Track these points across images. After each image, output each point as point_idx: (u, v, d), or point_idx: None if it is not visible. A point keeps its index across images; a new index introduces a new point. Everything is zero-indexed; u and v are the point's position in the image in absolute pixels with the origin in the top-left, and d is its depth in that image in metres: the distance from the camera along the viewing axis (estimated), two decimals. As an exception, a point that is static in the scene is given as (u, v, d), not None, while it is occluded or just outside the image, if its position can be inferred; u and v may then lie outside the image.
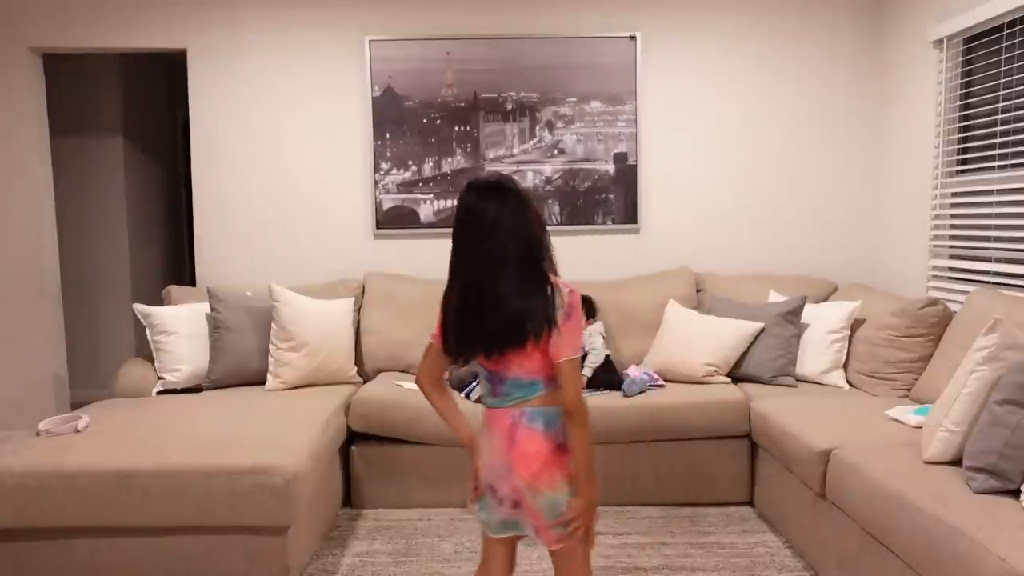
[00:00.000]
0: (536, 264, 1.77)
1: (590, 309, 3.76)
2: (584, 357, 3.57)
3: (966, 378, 2.26)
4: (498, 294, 1.73)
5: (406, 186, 4.24)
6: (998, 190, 3.35)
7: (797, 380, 3.53)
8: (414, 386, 3.51)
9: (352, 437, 3.41)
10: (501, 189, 1.79)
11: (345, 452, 3.41)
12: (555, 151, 4.24)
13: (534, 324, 1.72)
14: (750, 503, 3.39)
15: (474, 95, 4.21)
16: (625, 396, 3.37)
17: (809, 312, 3.63)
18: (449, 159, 4.23)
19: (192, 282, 4.59)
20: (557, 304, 1.75)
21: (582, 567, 1.81)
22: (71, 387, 4.87)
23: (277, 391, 3.53)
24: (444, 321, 1.82)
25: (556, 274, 1.81)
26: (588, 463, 1.73)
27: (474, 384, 3.42)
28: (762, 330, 3.56)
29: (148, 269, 5.57)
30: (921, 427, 2.63)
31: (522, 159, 4.24)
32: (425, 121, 4.21)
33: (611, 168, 4.24)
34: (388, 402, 3.35)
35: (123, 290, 5.24)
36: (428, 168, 4.23)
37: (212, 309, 3.67)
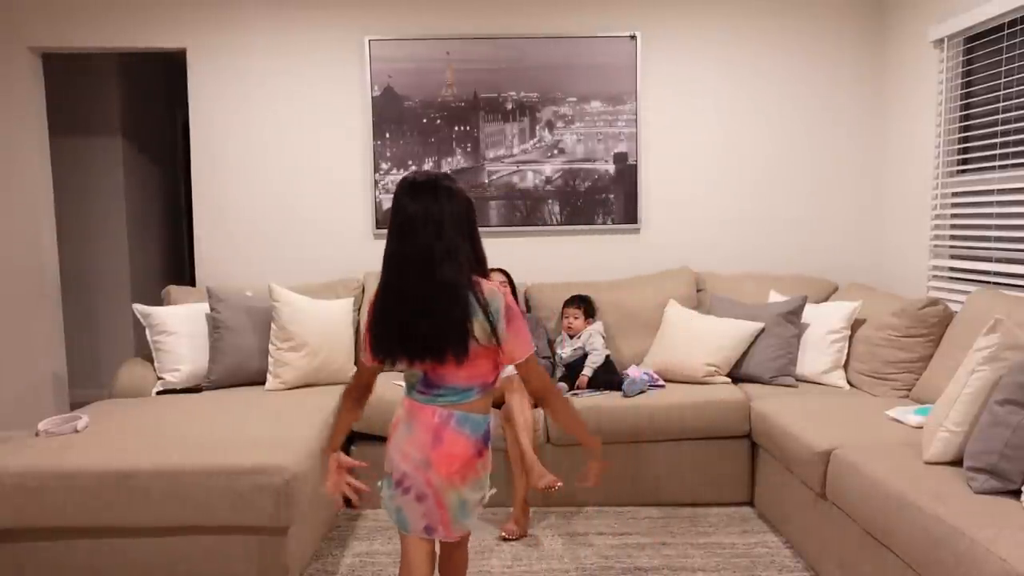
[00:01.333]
0: (461, 268, 1.73)
1: (589, 309, 3.76)
2: (584, 357, 3.57)
3: (967, 378, 2.26)
4: (421, 296, 1.72)
5: (406, 186, 4.23)
6: (998, 190, 3.35)
7: (797, 380, 3.52)
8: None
9: (352, 437, 3.41)
10: (432, 187, 1.77)
11: (345, 452, 3.39)
12: (555, 151, 4.24)
13: (453, 344, 1.71)
14: (750, 503, 3.39)
15: (474, 95, 4.20)
16: (625, 396, 3.36)
17: (809, 312, 3.63)
18: (449, 159, 4.23)
19: (192, 282, 4.59)
20: (494, 311, 1.73)
21: (466, 551, 2.02)
22: (71, 387, 4.87)
23: (277, 391, 3.52)
24: (371, 321, 1.80)
25: (485, 275, 1.79)
26: (581, 422, 1.90)
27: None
28: (762, 330, 3.56)
29: (148, 269, 5.57)
30: (921, 427, 2.63)
31: (522, 159, 4.24)
32: (425, 121, 4.21)
33: (611, 168, 4.24)
34: (388, 402, 3.35)
35: (123, 290, 5.24)
36: (428, 168, 4.23)
37: (212, 309, 3.67)
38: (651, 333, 3.85)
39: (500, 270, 3.73)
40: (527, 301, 4.01)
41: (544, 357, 3.64)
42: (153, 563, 2.52)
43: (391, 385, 3.53)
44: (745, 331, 3.56)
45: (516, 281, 4.03)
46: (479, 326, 1.73)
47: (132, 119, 5.32)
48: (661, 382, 3.53)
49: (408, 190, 1.80)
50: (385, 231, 4.56)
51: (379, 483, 1.91)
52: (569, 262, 4.23)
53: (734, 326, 3.58)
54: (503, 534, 3.05)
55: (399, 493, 1.82)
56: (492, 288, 1.77)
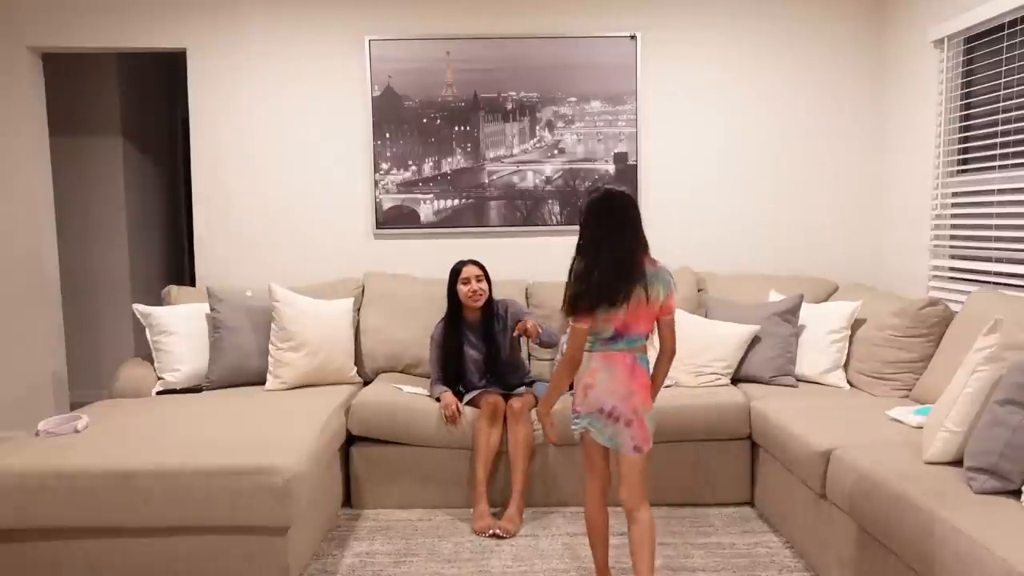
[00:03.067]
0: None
1: None
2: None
3: (967, 378, 2.26)
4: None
5: (406, 186, 4.24)
6: (999, 190, 3.35)
7: (797, 380, 3.52)
8: (414, 389, 3.52)
9: (352, 437, 3.41)
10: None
11: (345, 452, 3.41)
12: (555, 151, 4.24)
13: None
14: (750, 503, 3.39)
15: (474, 95, 4.20)
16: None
17: (810, 312, 3.62)
18: (449, 159, 4.23)
19: (192, 282, 4.59)
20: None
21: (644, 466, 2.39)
22: (71, 387, 4.86)
23: (277, 391, 3.52)
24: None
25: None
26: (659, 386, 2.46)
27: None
28: (758, 332, 3.56)
29: (148, 269, 5.57)
30: (922, 427, 2.63)
31: (522, 159, 4.24)
32: (425, 121, 4.21)
33: (611, 168, 4.24)
34: (387, 406, 3.35)
35: (123, 290, 5.24)
36: (428, 168, 4.23)
37: (212, 309, 3.67)
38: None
39: (475, 262, 3.53)
40: (528, 300, 4.01)
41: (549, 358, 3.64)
42: (153, 563, 2.52)
43: (391, 388, 3.54)
44: (743, 334, 3.55)
45: (517, 281, 4.03)
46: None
47: (132, 119, 5.32)
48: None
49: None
50: (385, 231, 4.60)
51: (575, 422, 2.39)
52: (569, 262, 4.22)
53: (732, 330, 3.57)
54: (497, 531, 3.04)
55: (611, 422, 2.31)
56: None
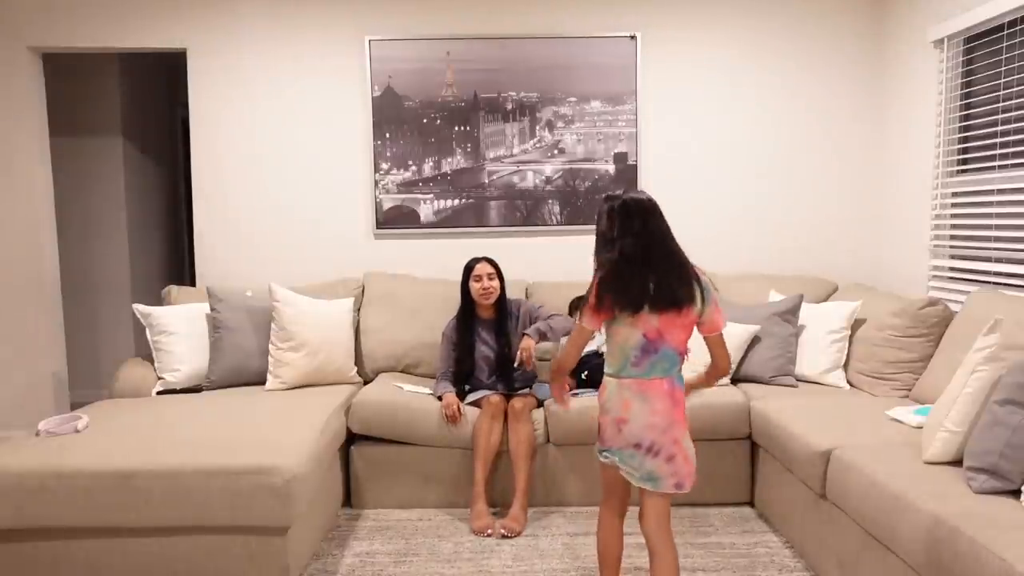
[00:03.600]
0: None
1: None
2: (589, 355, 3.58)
3: (966, 378, 2.26)
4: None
5: (406, 186, 4.24)
6: (998, 190, 3.35)
7: (797, 380, 3.52)
8: (415, 387, 3.52)
9: (352, 437, 3.41)
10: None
11: (345, 452, 3.41)
12: (555, 151, 4.24)
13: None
14: (750, 503, 3.39)
15: (474, 95, 4.20)
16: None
17: (810, 312, 3.63)
18: (449, 159, 4.23)
19: (192, 282, 4.59)
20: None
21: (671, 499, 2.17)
22: (71, 387, 4.87)
23: (277, 391, 3.52)
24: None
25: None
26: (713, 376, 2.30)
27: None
28: (758, 332, 3.56)
29: (148, 269, 5.57)
30: (922, 427, 2.63)
31: (522, 159, 4.24)
32: (425, 121, 4.21)
33: (611, 168, 4.24)
34: (388, 404, 3.35)
35: (123, 290, 5.24)
36: (428, 168, 4.23)
37: (212, 309, 3.67)
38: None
39: (488, 260, 3.55)
40: (528, 299, 4.01)
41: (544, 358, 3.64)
42: (153, 563, 2.52)
43: (392, 388, 3.54)
44: (743, 334, 3.55)
45: (517, 281, 4.03)
46: None
47: (132, 119, 5.32)
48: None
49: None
50: (385, 231, 4.58)
51: (605, 455, 2.17)
52: (569, 262, 4.23)
53: (729, 330, 3.56)
54: (501, 531, 3.05)
55: (650, 457, 2.08)
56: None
